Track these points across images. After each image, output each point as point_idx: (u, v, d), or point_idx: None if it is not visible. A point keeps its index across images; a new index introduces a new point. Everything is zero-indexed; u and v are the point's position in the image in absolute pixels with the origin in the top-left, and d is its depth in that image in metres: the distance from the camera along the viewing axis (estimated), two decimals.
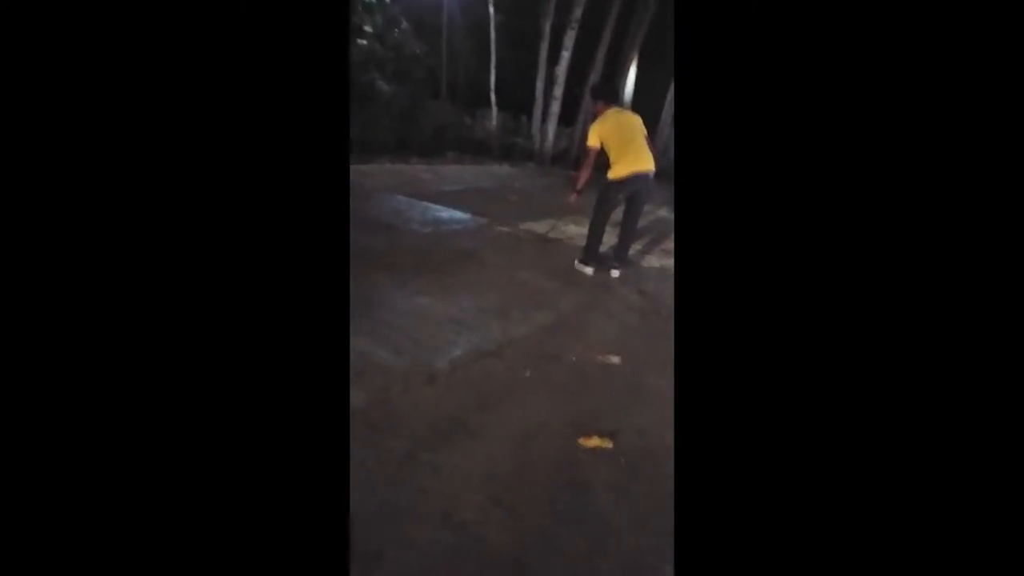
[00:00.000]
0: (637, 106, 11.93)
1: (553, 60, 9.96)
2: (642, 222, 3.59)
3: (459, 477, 1.51)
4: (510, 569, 1.25)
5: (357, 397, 1.81)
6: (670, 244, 4.36)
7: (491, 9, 9.98)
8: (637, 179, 3.21)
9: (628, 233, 3.49)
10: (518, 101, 11.34)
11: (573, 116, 11.05)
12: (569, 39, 9.64)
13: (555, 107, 10.32)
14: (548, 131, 10.50)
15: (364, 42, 7.57)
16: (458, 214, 4.59)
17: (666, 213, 5.95)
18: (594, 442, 1.70)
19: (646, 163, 3.20)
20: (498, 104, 10.69)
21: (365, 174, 5.88)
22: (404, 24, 8.57)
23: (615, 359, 2.28)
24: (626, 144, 3.19)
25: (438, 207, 4.78)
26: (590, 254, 3.50)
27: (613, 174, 3.25)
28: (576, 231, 4.71)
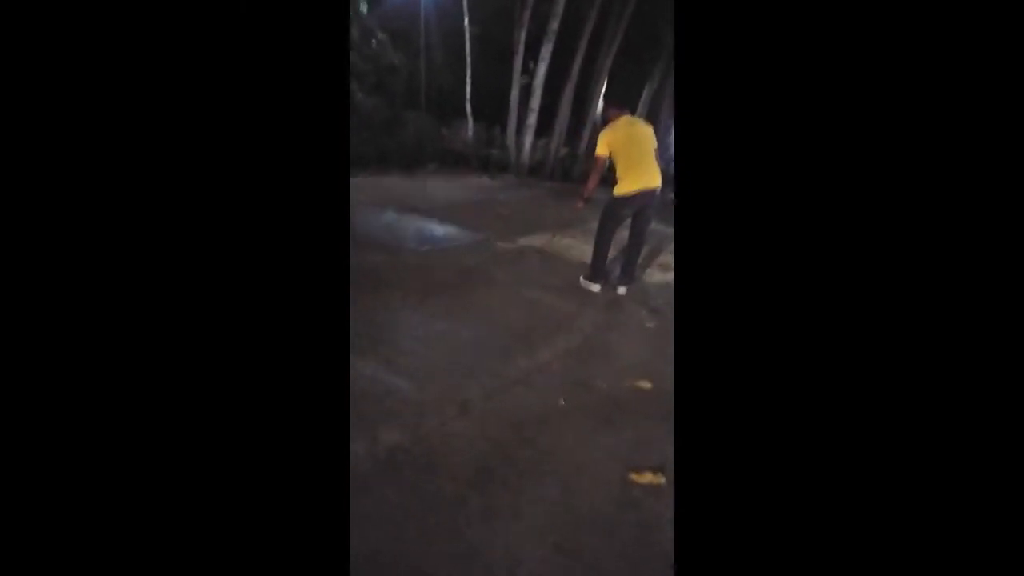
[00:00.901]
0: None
1: (528, 71, 9.97)
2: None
3: (517, 522, 1.43)
4: None
5: (392, 436, 1.71)
6: (665, 258, 4.35)
7: (466, 20, 9.95)
8: (644, 196, 3.16)
9: (635, 250, 3.45)
10: (492, 113, 11.32)
11: (549, 127, 11.08)
12: (545, 51, 9.67)
13: (531, 119, 10.32)
14: (524, 143, 10.50)
15: None
16: (453, 229, 4.50)
17: (657, 225, 5.96)
18: (647, 478, 1.64)
19: (654, 180, 3.15)
20: (473, 115, 10.64)
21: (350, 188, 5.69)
22: (381, 35, 8.44)
23: (646, 384, 2.23)
24: (635, 158, 3.14)
25: (432, 222, 4.67)
26: (596, 271, 3.46)
27: (619, 190, 3.20)
28: (574, 245, 4.68)
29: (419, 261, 3.55)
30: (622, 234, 3.42)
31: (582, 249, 4.55)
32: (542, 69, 9.83)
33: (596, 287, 3.46)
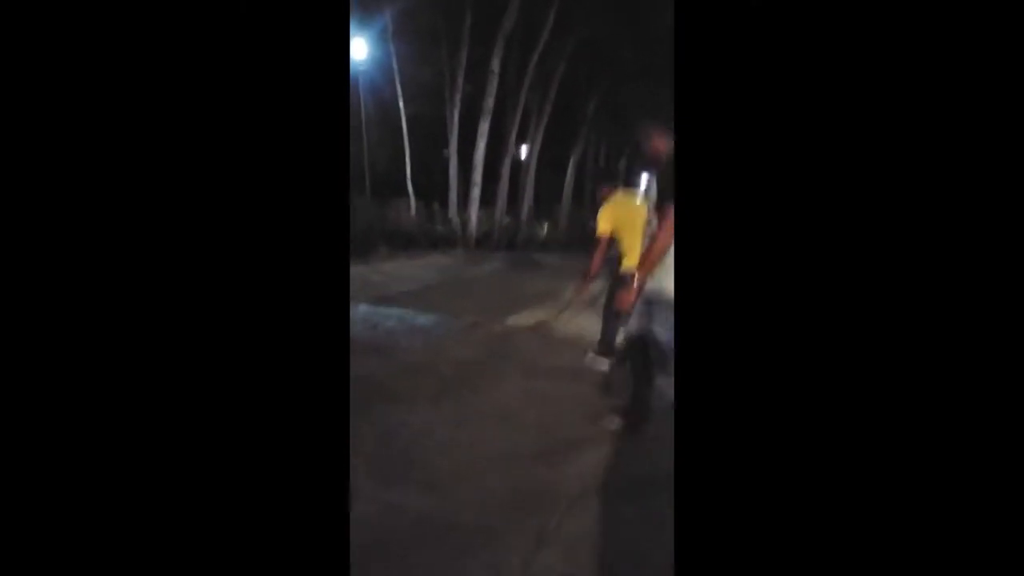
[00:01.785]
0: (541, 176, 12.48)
1: (468, 148, 10.15)
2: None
3: None
4: None
5: None
6: None
7: (401, 102, 10.08)
8: None
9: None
10: (431, 190, 11.40)
11: (491, 200, 11.23)
12: (483, 127, 9.90)
13: (475, 192, 10.42)
14: (471, 216, 10.53)
15: None
16: (435, 317, 4.25)
17: None
18: None
19: None
20: (415, 194, 10.63)
21: None
22: None
23: None
24: (637, 233, 3.07)
25: (410, 311, 4.40)
26: (607, 347, 3.31)
27: (628, 264, 3.11)
28: (561, 322, 4.55)
29: (413, 359, 3.26)
30: None
31: (571, 325, 4.43)
32: (481, 145, 10.03)
33: (606, 364, 3.30)
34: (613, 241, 3.15)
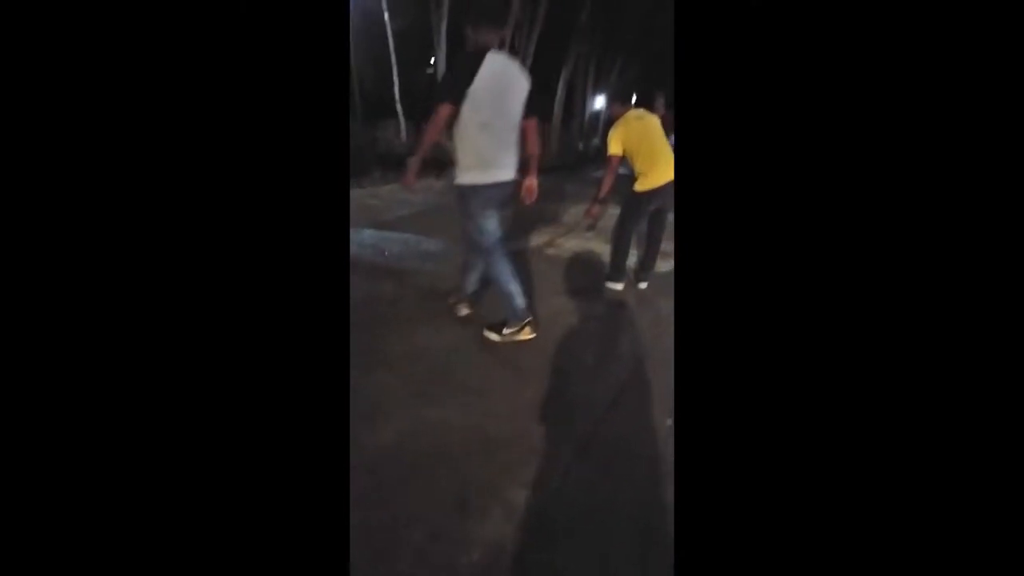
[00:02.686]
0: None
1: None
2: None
3: None
4: None
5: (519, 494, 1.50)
6: (667, 245, 4.31)
7: (387, 16, 9.49)
8: (665, 189, 3.04)
9: (655, 244, 3.37)
10: (415, 110, 10.95)
11: None
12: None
13: None
14: None
15: None
16: (440, 242, 4.23)
17: None
18: None
19: (672, 171, 3.03)
20: (404, 115, 10.24)
21: None
22: None
23: None
24: (653, 152, 3.01)
25: (414, 237, 4.37)
26: (618, 271, 3.35)
27: (641, 186, 3.07)
28: (570, 242, 4.56)
29: (430, 284, 3.28)
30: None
31: (580, 247, 4.45)
32: None
33: (620, 286, 3.36)
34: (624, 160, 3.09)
